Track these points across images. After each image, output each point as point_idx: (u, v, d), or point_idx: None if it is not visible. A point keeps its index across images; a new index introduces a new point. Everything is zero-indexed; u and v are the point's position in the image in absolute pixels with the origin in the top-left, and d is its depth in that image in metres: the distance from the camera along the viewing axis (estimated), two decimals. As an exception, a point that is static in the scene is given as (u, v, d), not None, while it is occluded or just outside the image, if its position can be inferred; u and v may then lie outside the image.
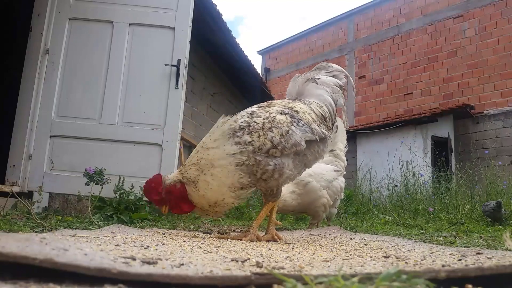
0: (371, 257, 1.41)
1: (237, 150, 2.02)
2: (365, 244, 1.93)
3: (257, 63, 17.37)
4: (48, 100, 3.95)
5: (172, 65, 3.94)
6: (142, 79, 4.01)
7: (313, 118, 2.27)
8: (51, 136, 3.87)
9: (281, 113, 2.16)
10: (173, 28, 4.03)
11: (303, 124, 2.17)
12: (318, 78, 2.49)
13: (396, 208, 4.85)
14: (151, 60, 4.03)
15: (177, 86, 3.93)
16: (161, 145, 3.82)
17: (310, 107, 2.34)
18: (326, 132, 2.29)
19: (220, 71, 8.18)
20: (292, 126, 2.12)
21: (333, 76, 2.55)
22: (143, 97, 3.97)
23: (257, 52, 17.36)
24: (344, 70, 2.63)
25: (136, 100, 3.96)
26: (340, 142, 3.80)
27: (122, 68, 4.01)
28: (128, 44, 4.05)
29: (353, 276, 0.79)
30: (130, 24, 4.08)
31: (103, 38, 4.06)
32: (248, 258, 1.19)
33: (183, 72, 3.95)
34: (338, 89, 2.52)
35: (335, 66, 2.62)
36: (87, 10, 4.11)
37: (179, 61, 3.95)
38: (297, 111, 2.23)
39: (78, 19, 4.11)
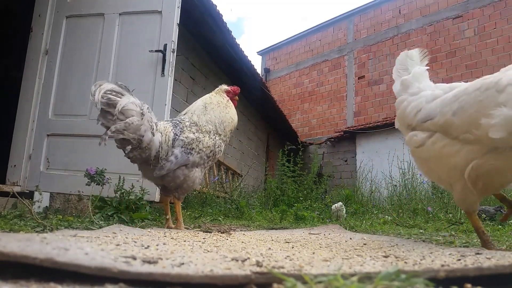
0: (370, 256, 1.41)
1: None
2: (364, 244, 1.93)
3: (257, 63, 17.38)
4: (46, 99, 3.94)
5: (156, 51, 3.69)
6: (130, 69, 3.81)
7: None
8: (47, 135, 3.85)
9: None
10: (160, 12, 3.81)
11: None
12: None
13: (395, 208, 4.84)
14: (139, 48, 3.81)
15: (163, 73, 3.68)
16: None
17: None
18: None
19: (220, 72, 8.18)
20: None
21: None
22: (131, 88, 3.84)
23: (257, 52, 17.35)
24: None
25: None
26: None
27: (111, 60, 3.86)
28: (118, 35, 3.92)
29: (352, 275, 0.80)
30: (120, 14, 3.95)
31: (95, 32, 3.97)
32: (248, 258, 1.19)
33: (170, 57, 3.68)
34: None
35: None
36: (82, 6, 4.06)
37: (165, 46, 3.69)
38: None
39: (73, 16, 4.08)
